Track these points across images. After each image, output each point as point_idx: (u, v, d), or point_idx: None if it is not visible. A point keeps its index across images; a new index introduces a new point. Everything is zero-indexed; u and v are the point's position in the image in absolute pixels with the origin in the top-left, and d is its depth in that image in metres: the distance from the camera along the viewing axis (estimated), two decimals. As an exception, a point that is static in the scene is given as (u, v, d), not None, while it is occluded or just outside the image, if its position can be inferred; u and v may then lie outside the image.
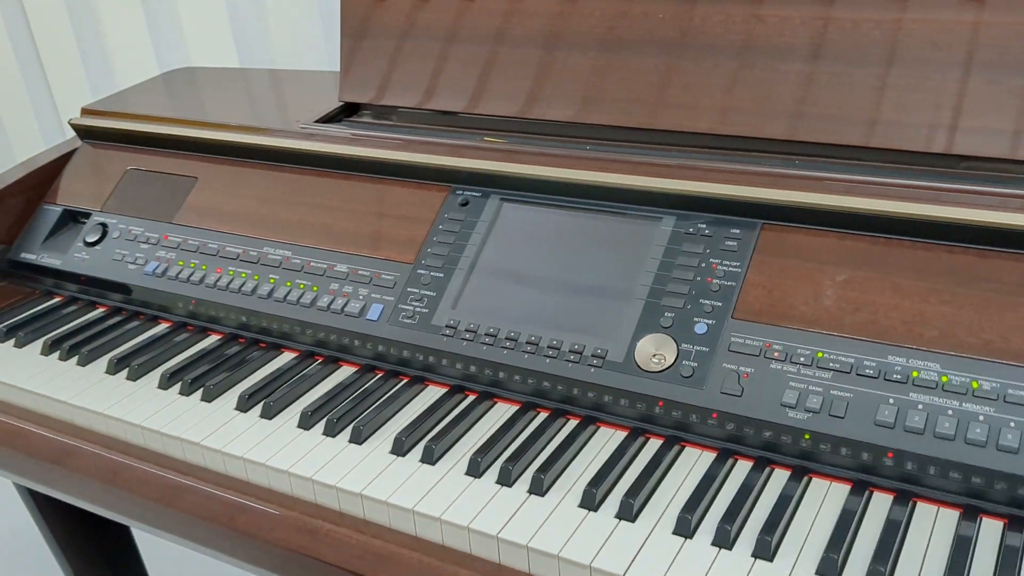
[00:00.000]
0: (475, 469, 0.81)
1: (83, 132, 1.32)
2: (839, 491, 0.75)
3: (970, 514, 0.71)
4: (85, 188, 1.27)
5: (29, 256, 1.23)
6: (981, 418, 0.71)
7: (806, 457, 0.77)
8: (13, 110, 1.93)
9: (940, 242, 0.80)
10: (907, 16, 0.87)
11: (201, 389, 0.96)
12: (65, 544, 1.28)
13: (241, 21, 1.61)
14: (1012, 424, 0.70)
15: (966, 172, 0.85)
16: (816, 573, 0.67)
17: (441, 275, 0.97)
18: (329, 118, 1.20)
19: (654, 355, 0.84)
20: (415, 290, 0.97)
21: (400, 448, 0.84)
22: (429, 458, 0.83)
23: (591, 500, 0.76)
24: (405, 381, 0.95)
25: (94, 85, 1.81)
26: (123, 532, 1.38)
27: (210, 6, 1.62)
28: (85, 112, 1.34)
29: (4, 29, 1.86)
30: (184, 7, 1.66)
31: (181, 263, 1.11)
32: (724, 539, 0.71)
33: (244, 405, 0.93)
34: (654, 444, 0.82)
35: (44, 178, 1.30)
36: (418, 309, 0.95)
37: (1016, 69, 0.84)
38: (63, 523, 1.29)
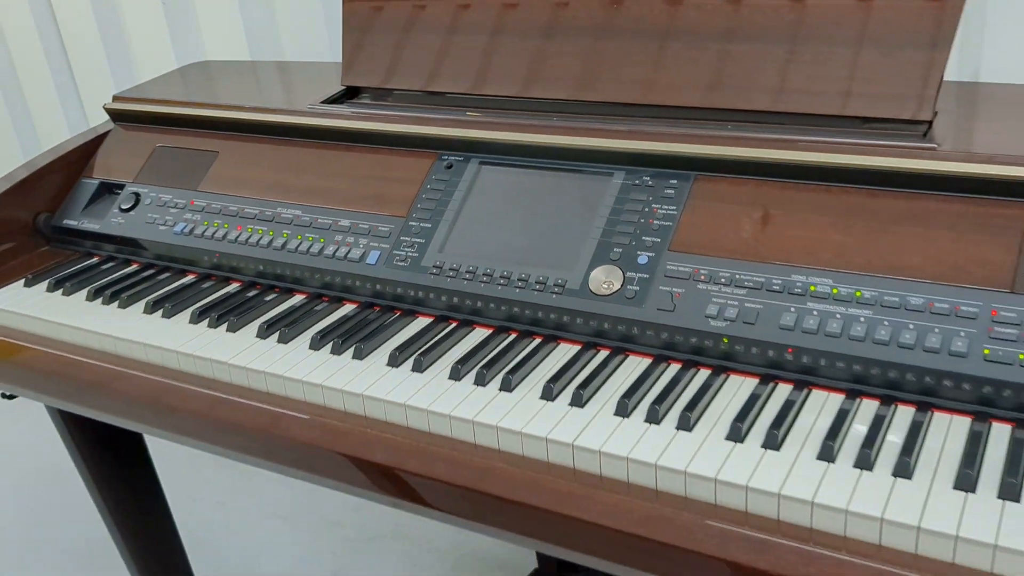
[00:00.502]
0: (456, 374, 0.98)
1: (116, 115, 1.50)
2: (751, 383, 0.92)
3: (852, 396, 0.88)
4: (119, 163, 1.44)
5: (71, 222, 1.41)
6: (862, 319, 0.89)
7: (726, 358, 0.95)
8: (41, 102, 2.11)
9: (836, 184, 0.97)
10: (810, 1, 1.05)
11: (226, 323, 1.14)
12: (88, 456, 1.47)
13: (252, 18, 1.79)
14: (885, 323, 0.88)
15: (858, 129, 1.03)
16: (727, 438, 0.85)
17: (429, 226, 1.14)
18: (333, 100, 1.37)
19: (604, 282, 1.01)
20: (407, 239, 1.14)
21: (395, 361, 1.02)
22: (419, 368, 1.00)
23: (549, 393, 0.93)
24: (398, 314, 1.12)
25: (117, 80, 1.99)
26: (138, 443, 1.56)
27: (223, 4, 1.79)
28: (116, 99, 1.51)
29: (35, 28, 2.04)
30: (200, 5, 1.84)
31: (206, 223, 1.28)
32: (654, 417, 0.88)
33: (264, 333, 1.11)
34: (603, 354, 1.00)
35: (80, 156, 1.48)
36: (409, 254, 1.13)
37: (904, 43, 1.01)
38: (87, 440, 1.47)
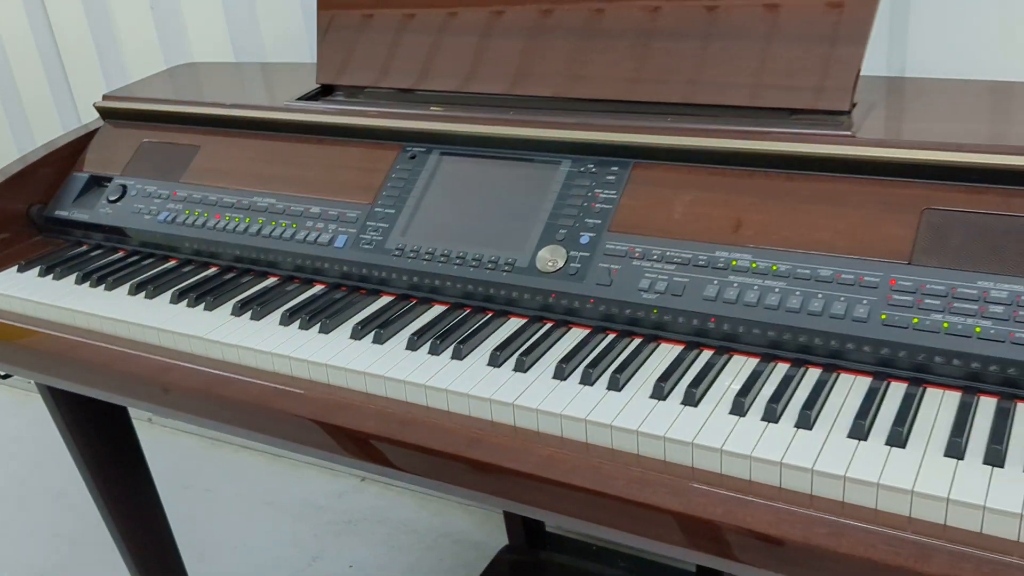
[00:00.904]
0: (412, 345, 1.07)
1: (105, 113, 1.59)
2: (676, 349, 1.01)
3: (767, 359, 0.97)
4: (107, 158, 1.53)
5: (62, 213, 1.49)
6: (776, 290, 0.97)
7: (657, 327, 1.03)
8: (36, 101, 2.20)
9: (758, 169, 1.06)
10: (731, 3, 1.14)
11: (204, 303, 1.22)
12: (77, 434, 1.55)
13: (235, 21, 1.88)
14: (797, 293, 0.96)
15: (787, 119, 1.12)
16: (651, 396, 0.93)
17: (393, 211, 1.23)
18: (308, 97, 1.46)
19: (549, 260, 1.10)
20: (372, 223, 1.23)
21: (358, 334, 1.10)
22: (379, 340, 1.09)
23: (496, 360, 1.02)
24: (363, 294, 1.21)
25: (108, 79, 2.08)
26: (123, 417, 1.64)
27: (209, 9, 1.89)
28: (106, 98, 1.60)
29: (29, 30, 2.13)
30: (187, 10, 1.93)
31: (187, 212, 1.37)
32: (587, 379, 0.96)
33: (238, 311, 1.19)
34: (548, 326, 1.08)
35: (71, 152, 1.57)
36: (374, 237, 1.22)
37: (824, 39, 1.10)
38: (76, 418, 1.55)
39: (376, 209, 1.24)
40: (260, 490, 2.30)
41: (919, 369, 0.91)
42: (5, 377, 1.44)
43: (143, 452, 1.71)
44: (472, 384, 0.99)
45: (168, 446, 2.52)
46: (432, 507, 2.16)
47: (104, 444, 1.62)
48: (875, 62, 1.33)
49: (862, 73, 1.17)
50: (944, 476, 0.78)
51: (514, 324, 1.10)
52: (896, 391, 0.90)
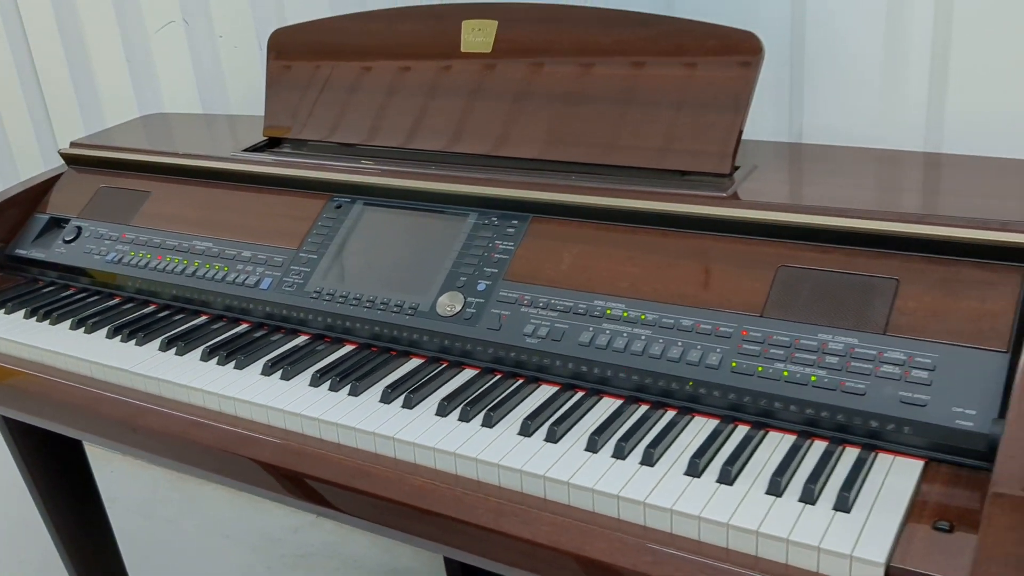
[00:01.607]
0: (315, 382, 1.15)
1: (69, 159, 1.70)
2: (553, 389, 1.09)
3: (632, 400, 1.05)
4: (67, 201, 1.63)
5: (21, 251, 1.59)
6: (643, 338, 1.05)
7: (539, 370, 1.11)
8: (21, 141, 2.34)
9: (637, 225, 1.15)
10: (631, 73, 1.23)
11: (135, 339, 1.31)
12: (31, 462, 1.63)
13: (203, 76, 1.99)
14: (660, 340, 1.04)
15: (677, 181, 1.20)
16: (518, 433, 1.01)
17: (315, 256, 1.32)
18: (255, 148, 1.56)
19: (448, 305, 1.18)
20: (296, 267, 1.32)
21: (267, 371, 1.19)
22: (286, 376, 1.17)
23: (387, 397, 1.10)
24: (282, 333, 1.30)
25: (88, 125, 2.20)
26: (78, 451, 1.72)
27: (180, 63, 2.01)
28: (73, 145, 1.71)
29: (17, 79, 2.26)
30: (160, 64, 2.05)
31: (132, 253, 1.47)
32: (465, 416, 1.04)
33: (165, 347, 1.28)
34: (442, 366, 1.16)
35: (37, 194, 1.67)
36: (296, 280, 1.31)
37: (709, 108, 1.19)
38: (28, 445, 1.64)
39: (301, 254, 1.33)
40: (219, 522, 2.37)
41: (763, 414, 0.98)
42: (-42, 404, 1.53)
43: (95, 482, 1.79)
44: (360, 419, 1.07)
45: (134, 478, 2.60)
46: (382, 544, 2.22)
47: (54, 467, 1.70)
48: (779, 128, 1.42)
49: (765, 138, 1.26)
50: (760, 511, 0.85)
51: (415, 364, 1.18)
52: (738, 433, 0.97)
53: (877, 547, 0.79)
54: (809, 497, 0.86)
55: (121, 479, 2.61)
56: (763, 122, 1.42)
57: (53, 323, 1.40)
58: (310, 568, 2.17)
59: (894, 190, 1.13)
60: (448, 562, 1.92)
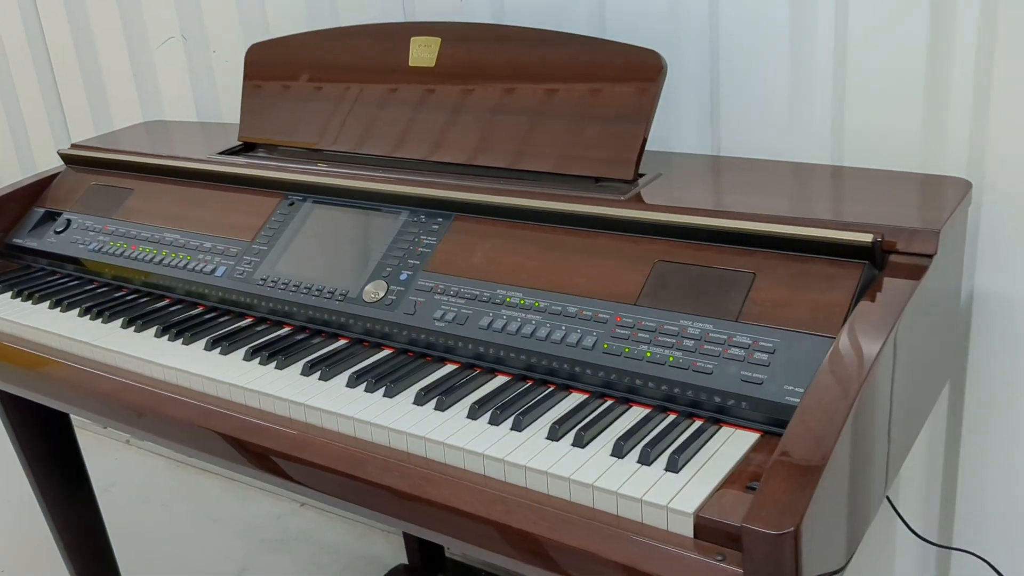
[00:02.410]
0: (248, 356, 1.28)
1: (67, 159, 1.86)
2: (452, 368, 1.20)
3: (521, 378, 1.16)
4: (62, 196, 1.79)
5: (18, 241, 1.75)
6: (533, 322, 1.17)
7: (446, 351, 1.23)
8: (40, 142, 2.54)
9: (541, 223, 1.26)
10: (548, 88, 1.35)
11: (102, 318, 1.46)
12: (20, 431, 1.78)
13: (200, 87, 2.16)
14: (547, 325, 1.16)
15: (590, 185, 1.31)
16: (413, 402, 1.13)
17: (266, 248, 1.45)
18: (231, 152, 1.71)
19: (373, 292, 1.31)
20: (248, 257, 1.46)
21: (210, 347, 1.32)
22: (225, 352, 1.31)
23: (308, 370, 1.22)
24: (231, 316, 1.43)
25: (98, 129, 2.38)
26: (65, 425, 1.86)
27: (178, 76, 2.17)
28: (72, 146, 1.88)
29: (38, 88, 2.45)
30: (161, 76, 2.22)
31: (111, 243, 1.62)
32: (369, 388, 1.16)
33: (126, 325, 1.42)
34: (365, 348, 1.29)
35: (37, 189, 1.83)
36: (247, 269, 1.44)
37: (615, 119, 1.30)
38: (18, 417, 1.79)
39: (253, 246, 1.47)
40: (209, 507, 2.51)
41: (629, 391, 1.09)
42: (-46, 377, 1.69)
43: (82, 455, 1.93)
44: (279, 387, 1.19)
45: (138, 464, 2.76)
46: (357, 531, 2.34)
47: (42, 438, 1.84)
48: (701, 141, 1.53)
49: (684, 151, 1.37)
50: (601, 470, 0.96)
51: (338, 344, 1.31)
52: (603, 406, 1.08)
53: (690, 501, 0.90)
54: (646, 459, 0.97)
55: (124, 466, 2.76)
56: (688, 137, 1.53)
57: (35, 303, 1.55)
58: (287, 552, 2.30)
59: (770, 195, 1.24)
60: (407, 540, 2.04)
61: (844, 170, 1.33)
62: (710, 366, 1.04)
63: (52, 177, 1.85)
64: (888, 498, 1.42)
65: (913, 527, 1.45)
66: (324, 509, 2.44)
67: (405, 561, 2.11)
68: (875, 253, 1.04)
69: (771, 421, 1.00)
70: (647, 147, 1.30)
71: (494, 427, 1.06)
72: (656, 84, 1.29)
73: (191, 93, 2.18)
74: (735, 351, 1.04)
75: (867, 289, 1.03)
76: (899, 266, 1.05)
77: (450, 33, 1.48)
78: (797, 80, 1.41)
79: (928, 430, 1.47)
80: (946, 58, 1.29)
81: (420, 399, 1.13)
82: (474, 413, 1.09)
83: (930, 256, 1.04)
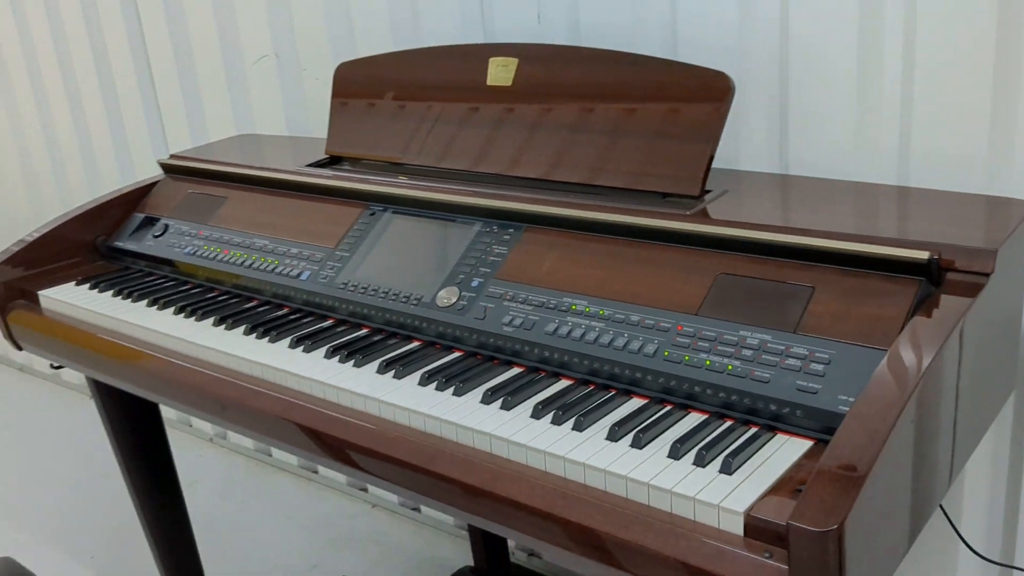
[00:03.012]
0: (329, 355, 1.36)
1: (166, 168, 1.98)
2: (518, 371, 1.26)
3: (583, 382, 1.21)
4: (161, 203, 1.91)
5: (119, 244, 1.88)
6: (596, 329, 1.22)
7: (513, 354, 1.29)
8: (141, 152, 2.69)
9: (608, 235, 1.32)
10: (621, 107, 1.41)
11: (194, 316, 1.56)
12: (115, 423, 1.90)
13: (290, 102, 2.27)
14: (610, 332, 1.21)
15: (658, 200, 1.37)
16: (480, 401, 1.19)
17: (347, 254, 1.54)
18: (318, 164, 1.80)
19: (445, 298, 1.38)
20: (331, 263, 1.54)
21: (295, 345, 1.41)
22: (307, 350, 1.39)
23: (384, 369, 1.30)
24: (313, 317, 1.52)
25: (195, 141, 2.51)
26: (155, 420, 1.98)
27: (271, 92, 2.29)
28: (171, 157, 2.00)
29: (141, 101, 2.60)
30: (255, 92, 2.34)
31: (206, 248, 1.72)
32: (441, 387, 1.23)
33: (217, 323, 1.52)
34: (437, 351, 1.36)
35: (137, 196, 1.96)
36: (329, 273, 1.53)
37: (678, 139, 1.35)
38: (115, 410, 1.91)
39: (336, 252, 1.55)
40: (284, 505, 2.61)
41: (688, 397, 1.14)
42: (57, 368, 1.81)
43: (170, 449, 2.05)
44: (358, 384, 1.27)
45: (220, 462, 2.88)
46: (425, 534, 2.41)
47: (135, 435, 1.96)
48: (770, 160, 1.56)
49: (752, 168, 1.41)
50: (656, 469, 1.01)
51: (412, 346, 1.38)
52: (662, 411, 1.13)
53: (741, 501, 0.94)
54: (700, 461, 1.01)
55: (207, 463, 2.89)
56: (757, 155, 1.57)
57: (133, 301, 1.66)
58: (357, 550, 2.38)
59: (832, 213, 1.27)
60: (474, 543, 2.10)
61: (908, 190, 1.35)
62: (767, 375, 1.08)
63: (151, 185, 1.98)
64: (947, 515, 1.43)
65: (973, 545, 1.45)
66: (394, 511, 2.52)
67: (471, 563, 2.17)
68: (932, 270, 1.07)
69: (824, 429, 1.03)
70: (715, 165, 1.34)
71: (556, 426, 1.12)
72: (724, 104, 1.34)
73: (282, 108, 2.29)
74: (792, 361, 1.08)
75: (923, 305, 1.06)
76: (956, 283, 1.07)
77: (526, 54, 1.55)
78: (865, 100, 1.44)
79: (991, 445, 1.47)
80: (1013, 81, 1.31)
81: (487, 398, 1.19)
82: (537, 413, 1.14)
83: (987, 275, 1.07)
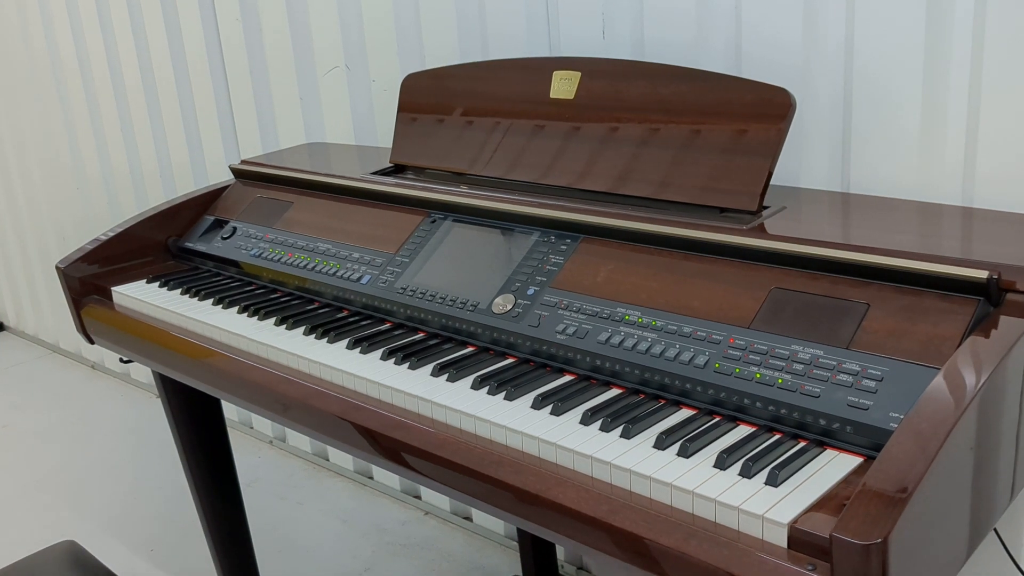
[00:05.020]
0: (386, 356, 1.39)
1: (236, 173, 2.04)
2: (571, 378, 1.28)
3: (634, 392, 1.22)
4: (231, 206, 1.97)
5: (189, 244, 1.94)
6: (649, 339, 1.23)
7: (566, 362, 1.30)
8: (214, 157, 2.78)
9: (663, 247, 1.33)
10: (680, 122, 1.42)
11: (257, 315, 1.60)
12: (179, 421, 1.96)
13: (358, 113, 2.32)
14: (662, 343, 1.22)
15: (716, 215, 1.37)
16: (531, 407, 1.20)
17: (408, 260, 1.57)
18: (382, 172, 1.84)
19: (501, 304, 1.40)
20: (391, 268, 1.58)
21: (351, 346, 1.44)
22: (364, 351, 1.42)
23: (439, 372, 1.32)
24: (371, 320, 1.55)
25: (265, 147, 2.58)
26: (217, 417, 2.03)
27: (340, 102, 2.34)
28: (242, 162, 2.06)
29: (215, 109, 2.69)
30: (325, 101, 2.40)
31: (271, 250, 1.77)
32: (492, 390, 1.25)
33: (279, 323, 1.56)
34: (490, 356, 1.38)
35: (208, 200, 2.02)
36: (389, 278, 1.56)
37: (737, 155, 1.36)
38: (178, 402, 1.96)
39: (396, 257, 1.59)
40: (340, 509, 2.65)
41: (737, 409, 1.14)
42: (126, 362, 1.88)
43: (230, 447, 2.10)
44: (416, 386, 1.30)
45: (278, 464, 2.94)
46: (475, 543, 2.42)
47: (198, 433, 2.02)
48: (831, 177, 1.56)
49: (813, 186, 1.41)
50: (702, 478, 1.01)
51: (467, 351, 1.40)
52: (711, 422, 1.13)
53: (785, 513, 0.94)
54: (747, 472, 1.01)
55: (265, 464, 2.95)
56: (818, 172, 1.56)
57: (200, 300, 1.72)
58: (409, 556, 2.40)
59: (889, 231, 1.26)
60: (523, 552, 2.11)
61: (970, 211, 1.33)
62: (818, 390, 1.07)
63: (222, 189, 2.04)
64: (1002, 540, 1.39)
65: (1032, 578, 1.41)
66: (446, 519, 2.54)
67: (519, 572, 2.17)
68: (990, 290, 1.06)
69: (874, 446, 1.03)
70: (776, 181, 1.34)
71: (604, 433, 1.13)
72: (785, 121, 1.34)
73: (350, 117, 2.35)
74: (844, 377, 1.07)
75: (980, 324, 1.04)
76: (1015, 304, 1.06)
77: (589, 68, 1.56)
78: (930, 119, 1.42)
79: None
80: (1084, 103, 1.29)
81: (537, 404, 1.21)
82: (586, 420, 1.16)
83: (1048, 296, 1.05)
